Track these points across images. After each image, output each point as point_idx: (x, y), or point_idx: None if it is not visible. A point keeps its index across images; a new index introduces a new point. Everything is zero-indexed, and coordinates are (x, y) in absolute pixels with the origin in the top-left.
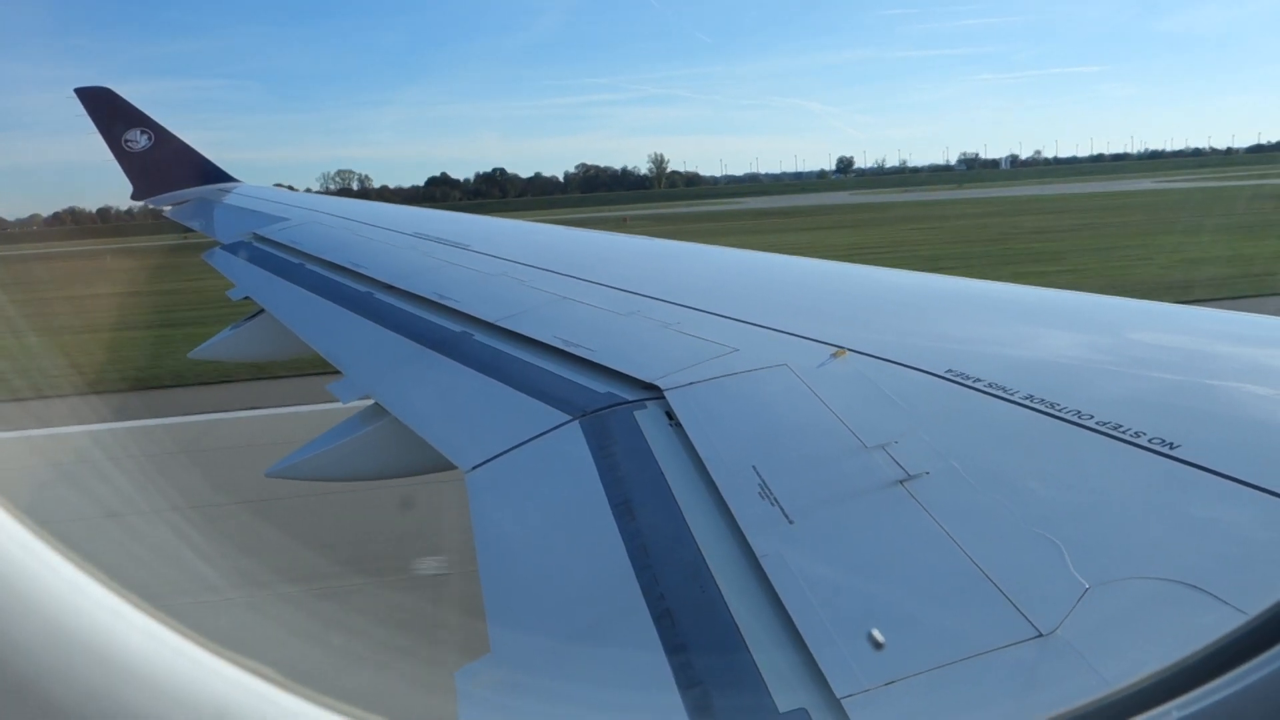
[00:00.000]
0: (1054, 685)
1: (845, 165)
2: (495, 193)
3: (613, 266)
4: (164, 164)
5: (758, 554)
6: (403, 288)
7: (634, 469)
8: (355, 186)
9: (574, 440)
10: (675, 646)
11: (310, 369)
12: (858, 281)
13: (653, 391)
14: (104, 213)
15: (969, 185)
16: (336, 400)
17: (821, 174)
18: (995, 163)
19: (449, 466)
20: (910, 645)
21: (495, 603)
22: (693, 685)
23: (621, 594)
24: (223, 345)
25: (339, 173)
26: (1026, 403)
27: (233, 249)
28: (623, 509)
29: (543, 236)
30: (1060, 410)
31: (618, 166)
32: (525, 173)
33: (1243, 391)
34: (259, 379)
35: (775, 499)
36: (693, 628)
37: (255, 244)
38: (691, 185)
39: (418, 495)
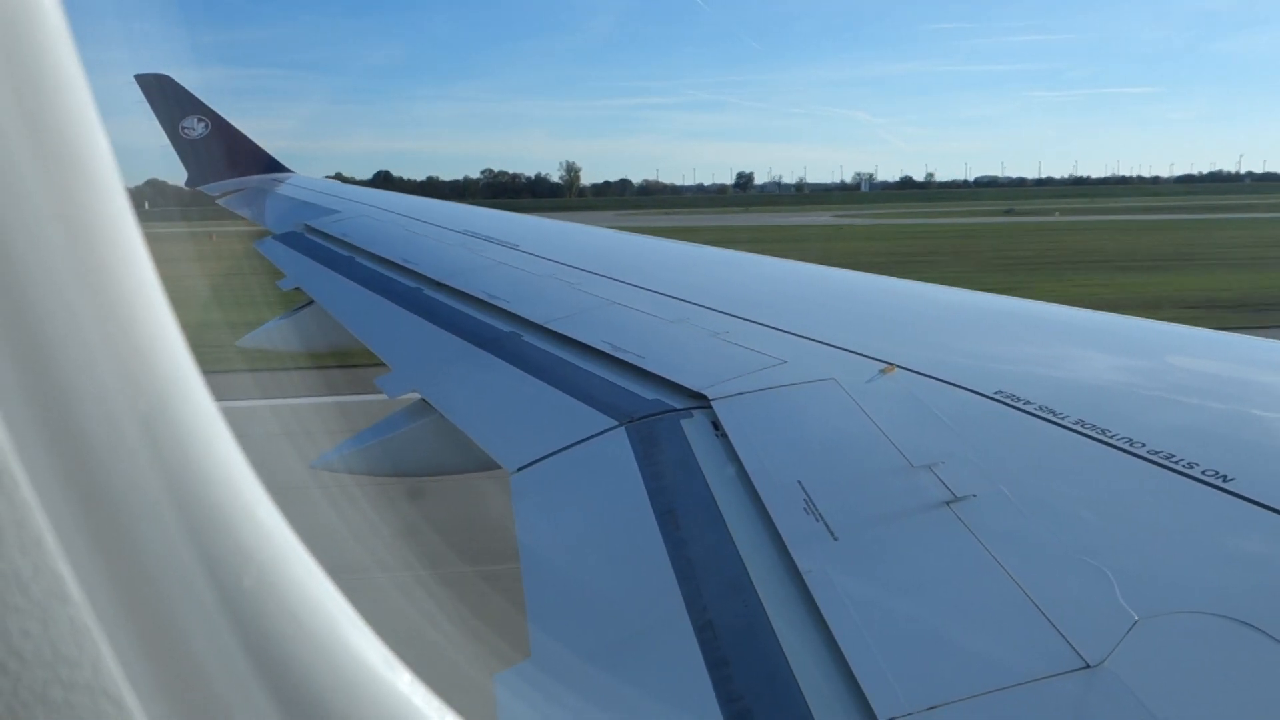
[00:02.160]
0: (1100, 718)
1: (744, 181)
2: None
3: (662, 272)
4: (219, 152)
5: (801, 570)
6: (452, 285)
7: (679, 478)
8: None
9: (620, 446)
10: (716, 660)
11: (358, 361)
12: (908, 297)
13: (700, 400)
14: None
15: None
16: (383, 394)
17: (842, 185)
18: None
19: (494, 466)
20: (955, 670)
21: (537, 607)
22: (733, 700)
23: (663, 604)
24: (272, 334)
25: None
26: (1077, 428)
27: (284, 239)
28: (667, 518)
29: (592, 239)
30: (1112, 437)
31: (530, 173)
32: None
33: None
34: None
35: (820, 515)
36: (734, 642)
37: (307, 235)
38: (600, 195)
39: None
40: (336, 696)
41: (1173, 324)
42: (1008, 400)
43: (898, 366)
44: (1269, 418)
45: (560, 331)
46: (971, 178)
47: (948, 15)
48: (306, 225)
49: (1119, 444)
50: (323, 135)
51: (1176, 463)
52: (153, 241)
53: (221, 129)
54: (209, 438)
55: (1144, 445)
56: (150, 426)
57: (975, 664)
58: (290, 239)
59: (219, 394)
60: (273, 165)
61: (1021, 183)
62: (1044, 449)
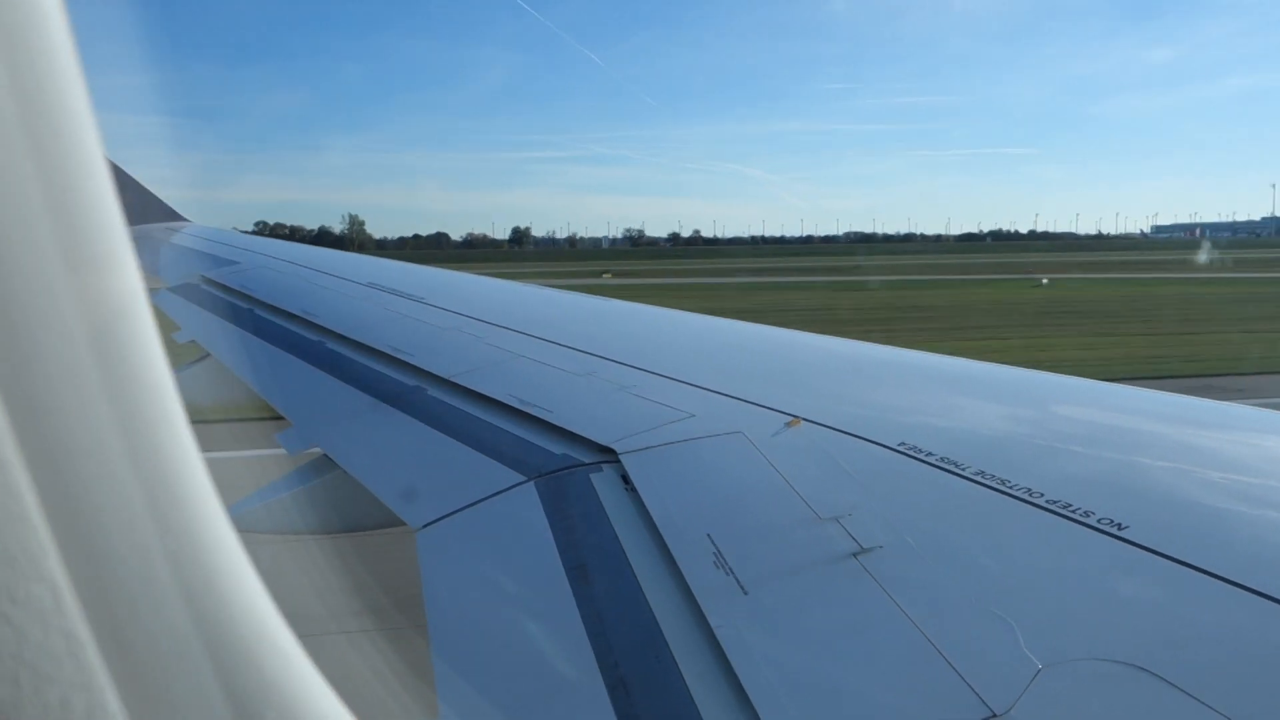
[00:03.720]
0: None
1: (519, 235)
2: None
3: (569, 325)
4: None
5: (712, 625)
6: (356, 338)
7: (589, 533)
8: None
9: (528, 502)
10: (628, 717)
11: (257, 416)
12: (814, 351)
13: (608, 454)
14: None
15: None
16: (283, 449)
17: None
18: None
19: (399, 523)
20: None
21: (444, 666)
22: None
23: (575, 662)
24: None
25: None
26: (978, 478)
27: (180, 290)
28: (577, 574)
29: (498, 292)
30: (1011, 487)
31: (312, 226)
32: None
33: (1188, 474)
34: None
35: (730, 568)
36: (646, 698)
37: (203, 286)
38: (382, 247)
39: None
40: None
41: (1066, 376)
42: (910, 452)
43: (803, 419)
44: (1158, 466)
45: (466, 385)
46: (843, 232)
47: (836, 76)
48: (203, 276)
49: (1018, 494)
50: (215, 184)
51: (1074, 512)
52: None
53: (114, 175)
54: (232, 568)
55: (1042, 495)
56: (177, 561)
57: (886, 715)
58: (186, 290)
59: None
60: (168, 214)
61: (888, 239)
62: (947, 500)
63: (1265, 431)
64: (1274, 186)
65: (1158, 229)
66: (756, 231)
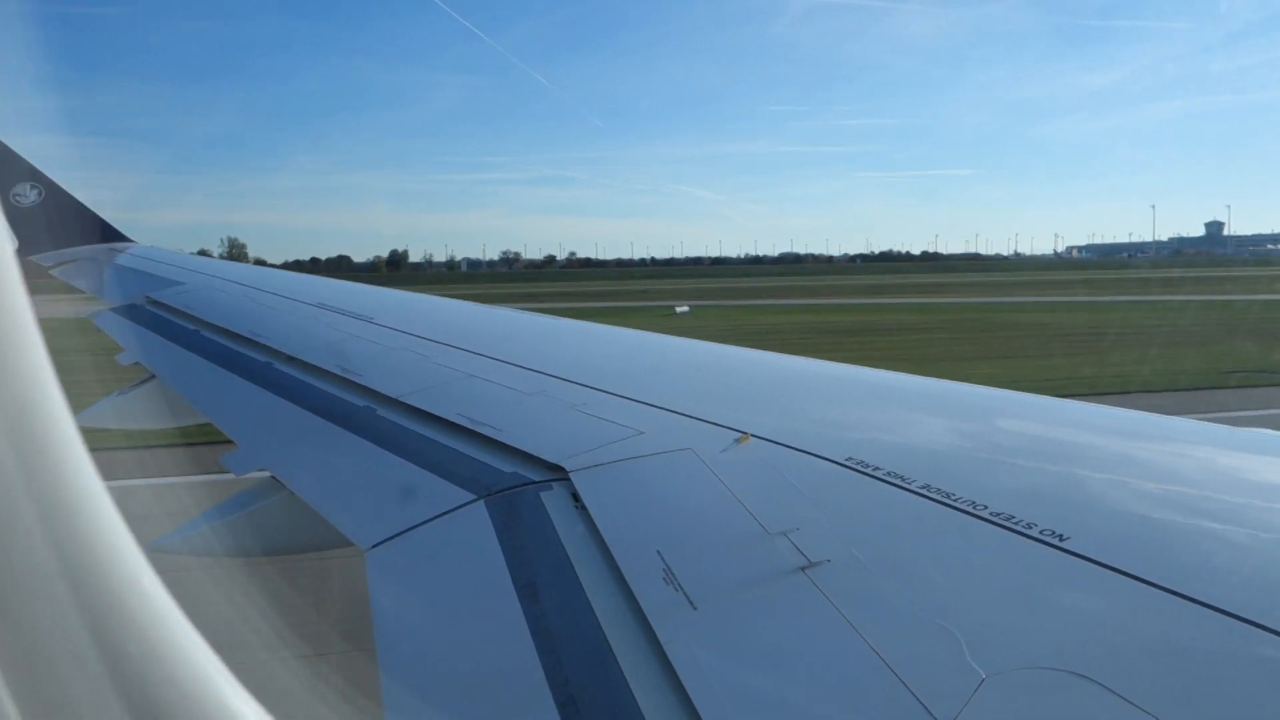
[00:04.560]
0: None
1: (397, 258)
2: None
3: (518, 344)
4: (54, 220)
5: (662, 641)
6: (303, 359)
7: (539, 552)
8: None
9: (478, 520)
10: None
11: (202, 439)
12: (763, 367)
13: (558, 473)
14: None
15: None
16: (229, 472)
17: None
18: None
19: (348, 544)
20: None
21: (393, 687)
22: None
23: (525, 681)
24: (107, 411)
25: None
26: (924, 492)
27: (123, 311)
28: (527, 592)
29: (447, 312)
30: (956, 500)
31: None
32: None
33: (1126, 485)
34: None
35: (679, 585)
36: (596, 715)
37: (148, 307)
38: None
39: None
40: None
41: (1008, 391)
42: (858, 467)
43: (752, 435)
44: (1097, 478)
45: (415, 405)
46: (803, 251)
47: (782, 98)
48: (148, 297)
49: (963, 507)
50: (159, 206)
51: (1016, 524)
52: None
53: (56, 196)
54: (95, 510)
55: (986, 507)
56: (42, 504)
57: None
58: (130, 311)
59: None
60: (112, 234)
61: (829, 260)
62: (894, 513)
63: (1203, 444)
64: (1153, 208)
65: (1070, 249)
66: (711, 252)
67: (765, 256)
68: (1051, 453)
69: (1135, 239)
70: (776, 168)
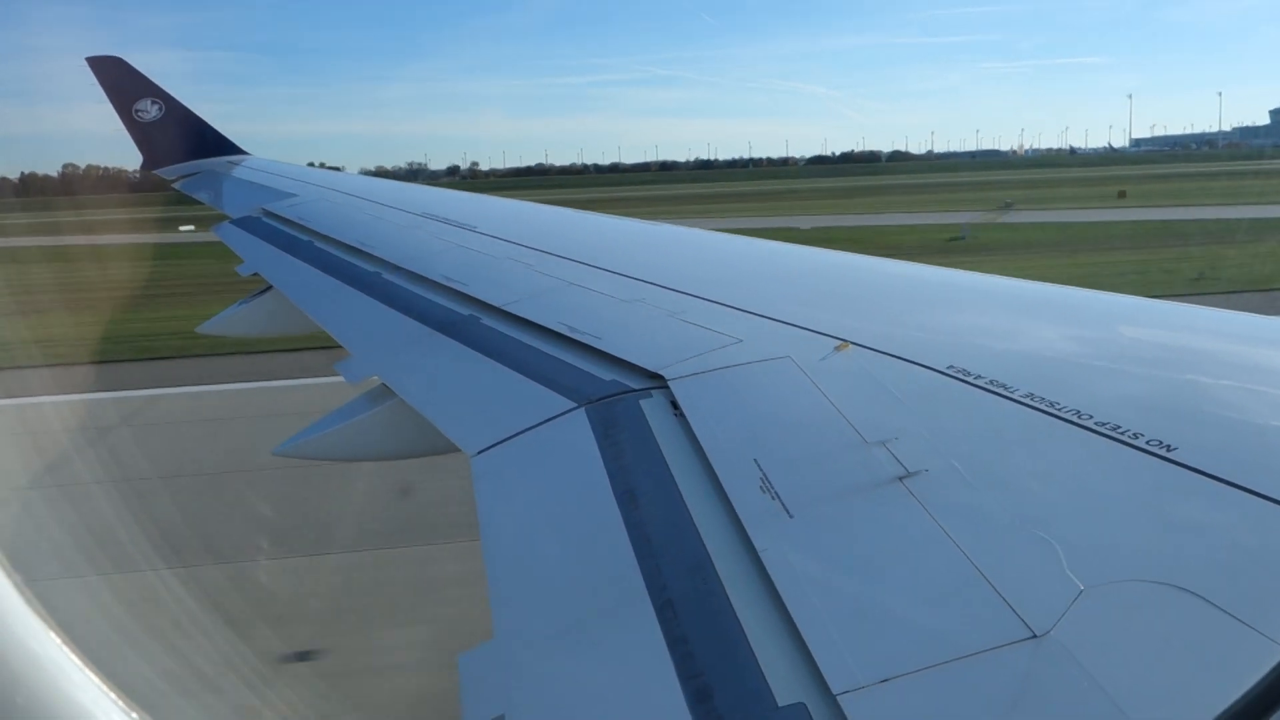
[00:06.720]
0: (1047, 687)
1: (416, 168)
2: None
3: (618, 252)
4: (174, 135)
5: (757, 548)
6: (410, 269)
7: (638, 459)
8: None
9: (579, 428)
10: (676, 638)
11: (317, 345)
12: (863, 273)
13: (657, 380)
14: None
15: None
16: (342, 378)
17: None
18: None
19: (454, 449)
20: (906, 643)
21: (499, 588)
22: (692, 677)
23: (624, 584)
24: (231, 320)
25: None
26: (1027, 401)
27: (241, 223)
28: (626, 499)
29: (550, 219)
30: (1060, 409)
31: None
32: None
33: (1240, 393)
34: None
35: (776, 493)
36: (693, 620)
37: (264, 219)
38: None
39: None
40: None
41: (1117, 294)
42: (959, 375)
43: (852, 343)
44: (1211, 386)
45: (517, 314)
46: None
47: None
48: (264, 209)
49: (1067, 416)
50: (273, 119)
51: (1122, 433)
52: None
53: (175, 111)
54: None
55: (1091, 417)
56: None
57: (926, 637)
58: (247, 223)
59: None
60: (228, 148)
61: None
62: (995, 423)
63: None
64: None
65: (1136, 142)
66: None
67: (878, 153)
68: (1163, 359)
69: (1196, 130)
70: (893, 62)
